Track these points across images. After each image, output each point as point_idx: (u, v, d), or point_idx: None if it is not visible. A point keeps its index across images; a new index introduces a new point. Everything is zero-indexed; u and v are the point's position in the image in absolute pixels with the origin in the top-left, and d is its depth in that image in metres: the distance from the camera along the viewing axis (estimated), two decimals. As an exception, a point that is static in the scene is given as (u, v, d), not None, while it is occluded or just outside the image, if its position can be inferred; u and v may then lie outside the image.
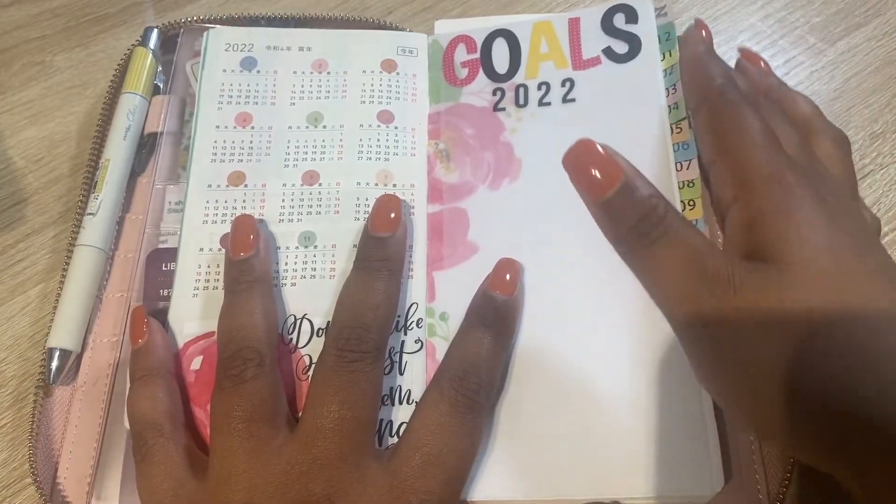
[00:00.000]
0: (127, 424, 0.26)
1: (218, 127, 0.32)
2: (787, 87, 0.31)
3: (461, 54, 0.34)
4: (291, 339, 0.28)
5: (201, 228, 0.30)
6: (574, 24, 0.33)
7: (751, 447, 0.26)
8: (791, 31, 0.39)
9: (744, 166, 0.24)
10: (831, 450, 0.21)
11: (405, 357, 0.28)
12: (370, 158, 0.31)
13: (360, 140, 0.32)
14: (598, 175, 0.24)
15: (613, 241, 0.25)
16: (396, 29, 0.36)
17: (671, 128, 0.30)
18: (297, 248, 0.30)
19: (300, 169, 0.31)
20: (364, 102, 0.33)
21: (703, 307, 0.23)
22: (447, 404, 0.25)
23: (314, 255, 0.30)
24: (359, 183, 0.31)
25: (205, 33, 0.34)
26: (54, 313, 0.29)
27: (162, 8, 0.41)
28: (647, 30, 0.32)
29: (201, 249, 0.30)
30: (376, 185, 0.31)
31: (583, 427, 0.26)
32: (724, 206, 0.25)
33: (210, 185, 0.31)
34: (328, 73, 0.33)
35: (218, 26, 0.35)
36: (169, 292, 0.29)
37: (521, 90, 0.33)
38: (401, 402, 0.27)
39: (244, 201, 0.31)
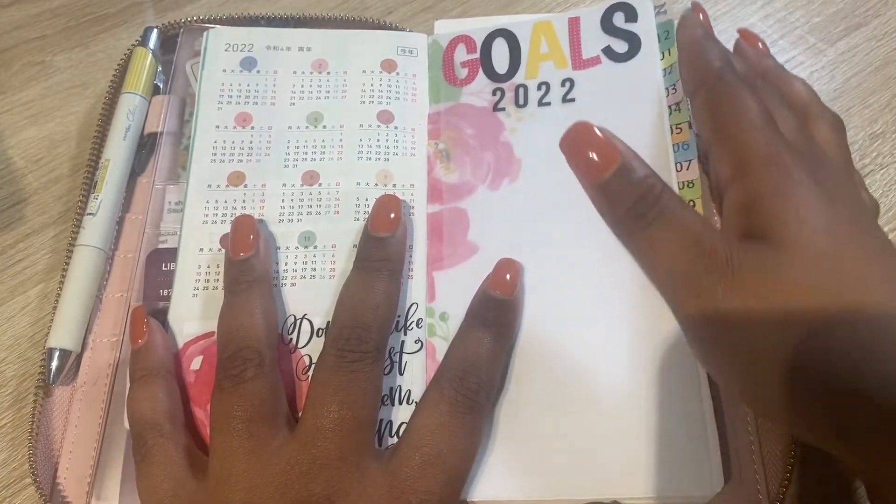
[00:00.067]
0: (127, 424, 0.26)
1: (218, 127, 0.32)
2: (785, 70, 0.31)
3: (461, 54, 0.34)
4: (291, 339, 0.28)
5: (201, 228, 0.30)
6: (574, 24, 0.33)
7: (751, 447, 0.26)
8: (791, 31, 0.39)
9: (741, 148, 0.25)
10: (830, 428, 0.21)
11: (405, 357, 0.28)
12: (370, 158, 0.31)
13: (360, 140, 0.32)
14: (595, 157, 0.24)
15: (610, 224, 0.25)
16: (396, 29, 0.36)
17: (671, 128, 0.30)
18: (296, 248, 0.30)
19: (300, 169, 0.31)
20: (364, 102, 0.33)
21: (701, 287, 0.23)
22: (447, 404, 0.25)
23: (314, 256, 0.30)
24: (359, 183, 0.31)
25: (205, 33, 0.34)
26: (54, 313, 0.29)
27: (162, 8, 0.41)
28: (646, 28, 0.32)
29: (201, 249, 0.30)
30: (376, 185, 0.31)
31: (583, 427, 0.26)
32: (722, 188, 0.26)
33: (210, 185, 0.31)
34: (328, 73, 0.33)
35: (218, 26, 0.35)
36: (169, 292, 0.29)
37: (521, 90, 0.33)
38: (401, 403, 0.27)
39: (244, 201, 0.31)
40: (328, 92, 0.33)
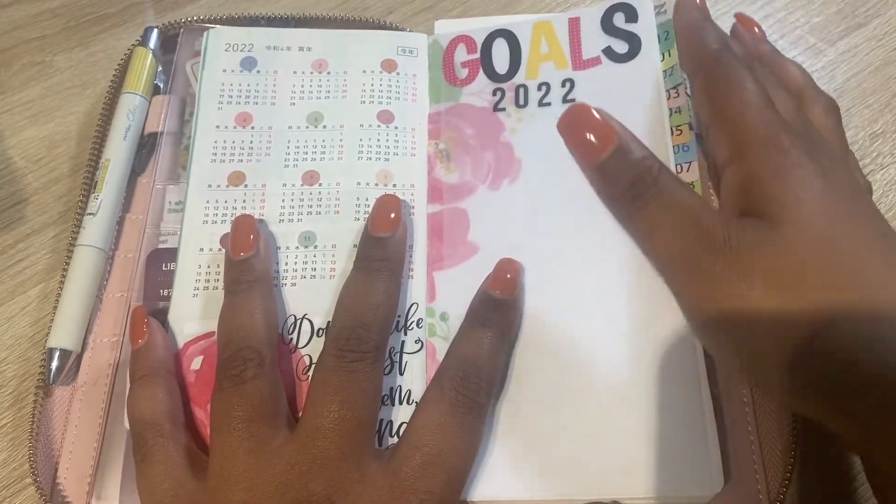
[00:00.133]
0: (127, 424, 0.26)
1: (218, 127, 0.32)
2: (781, 55, 0.31)
3: (461, 54, 0.34)
4: (291, 339, 0.28)
5: (201, 228, 0.30)
6: (574, 24, 0.33)
7: (751, 447, 0.26)
8: (791, 31, 0.39)
9: (740, 129, 0.25)
10: (828, 402, 0.22)
11: (405, 357, 0.28)
12: (370, 158, 0.31)
13: (361, 140, 0.32)
14: (593, 139, 0.24)
15: (608, 204, 0.25)
16: (396, 29, 0.36)
17: (671, 130, 0.30)
18: (297, 248, 0.30)
19: (300, 169, 0.31)
20: (364, 102, 0.33)
21: (699, 266, 0.23)
22: (448, 404, 0.25)
23: (314, 255, 0.30)
24: (359, 183, 0.31)
25: (205, 33, 0.34)
26: (54, 313, 0.29)
27: (162, 8, 0.41)
28: (646, 29, 0.32)
29: (201, 249, 0.30)
30: (376, 185, 0.31)
31: (583, 427, 0.26)
32: (720, 169, 0.26)
33: (210, 185, 0.31)
34: (328, 73, 0.33)
35: (218, 26, 0.35)
36: (169, 292, 0.29)
37: (522, 90, 0.33)
38: (401, 402, 0.27)
39: (244, 201, 0.31)
40: (328, 92, 0.33)
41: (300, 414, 0.26)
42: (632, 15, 0.33)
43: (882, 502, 0.23)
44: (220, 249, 0.30)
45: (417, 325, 0.29)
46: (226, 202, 0.31)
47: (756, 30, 0.32)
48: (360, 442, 0.24)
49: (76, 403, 0.28)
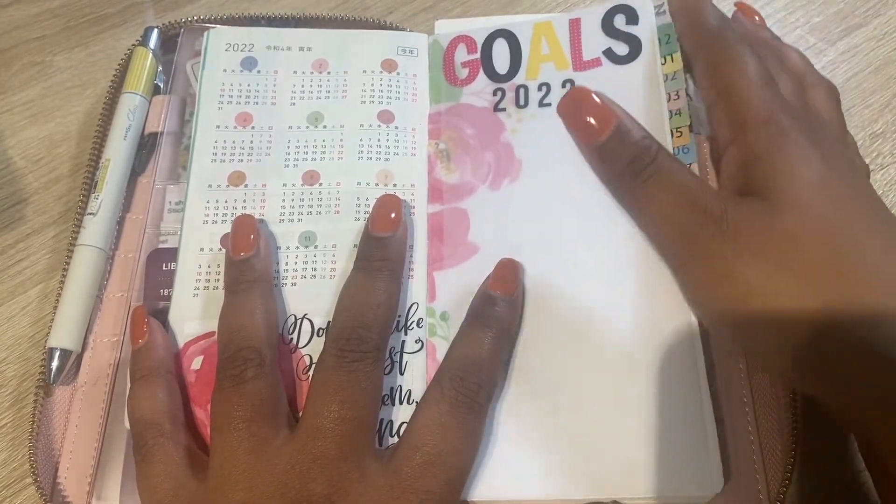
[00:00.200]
0: (127, 424, 0.26)
1: (218, 127, 0.32)
2: (781, 41, 0.31)
3: (461, 54, 0.34)
4: (292, 339, 0.28)
5: (202, 228, 0.30)
6: (574, 25, 0.33)
7: (751, 447, 0.26)
8: (791, 31, 0.39)
9: (741, 108, 0.25)
10: (824, 377, 0.22)
11: (405, 357, 0.28)
12: (370, 158, 0.31)
13: (361, 140, 0.32)
14: (592, 121, 0.25)
15: (607, 183, 0.26)
16: (397, 29, 0.36)
17: (672, 132, 0.30)
18: (297, 248, 0.30)
19: (300, 169, 0.31)
20: (364, 102, 0.33)
21: (696, 242, 0.24)
22: (448, 404, 0.25)
23: (314, 255, 0.30)
24: (359, 183, 0.31)
25: (205, 33, 0.34)
26: (54, 313, 0.29)
27: (162, 8, 0.41)
28: (647, 31, 0.32)
29: (202, 249, 0.30)
30: (377, 185, 0.31)
31: (583, 427, 0.26)
32: (722, 148, 0.26)
33: (210, 185, 0.31)
34: (328, 73, 0.33)
35: (218, 26, 0.35)
36: (169, 292, 0.29)
37: (522, 91, 0.33)
38: (401, 402, 0.27)
39: (244, 201, 0.31)
40: (328, 92, 0.33)
41: (300, 414, 0.26)
42: (632, 17, 0.33)
43: (881, 491, 0.23)
44: (220, 249, 0.30)
45: (418, 324, 0.29)
46: (226, 202, 0.31)
47: (756, 18, 0.32)
48: (360, 442, 0.24)
49: (76, 403, 0.28)
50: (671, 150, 0.30)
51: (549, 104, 0.32)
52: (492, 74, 0.33)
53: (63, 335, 0.28)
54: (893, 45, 0.38)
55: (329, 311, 0.27)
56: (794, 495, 0.26)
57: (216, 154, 0.31)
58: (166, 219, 0.31)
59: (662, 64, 0.31)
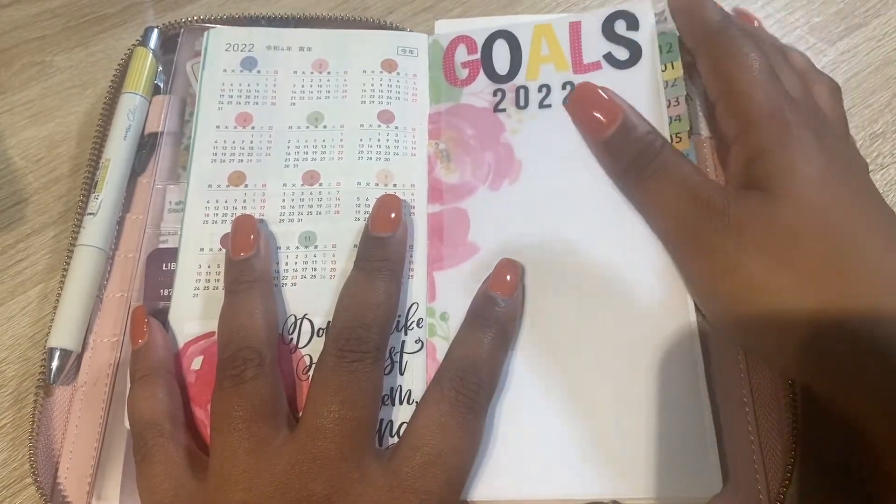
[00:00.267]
0: (127, 424, 0.26)
1: (218, 127, 0.32)
2: (780, 42, 0.31)
3: (462, 55, 0.34)
4: (292, 339, 0.28)
5: (202, 228, 0.30)
6: (575, 28, 0.33)
7: (751, 447, 0.26)
8: (791, 31, 0.39)
9: (745, 103, 0.26)
10: (820, 372, 0.22)
11: (405, 357, 0.28)
12: (370, 158, 0.31)
13: (361, 140, 0.32)
14: (599, 116, 0.26)
15: (614, 177, 0.27)
16: (397, 29, 0.36)
17: (671, 137, 0.30)
18: (297, 248, 0.30)
19: (300, 169, 0.31)
20: (364, 102, 0.33)
21: (698, 236, 0.24)
22: (448, 404, 0.25)
23: (314, 255, 0.30)
24: (359, 183, 0.31)
25: (205, 33, 0.34)
26: (54, 313, 0.29)
27: (162, 8, 0.41)
28: (647, 37, 0.32)
29: (202, 249, 0.30)
30: (377, 185, 0.31)
31: (583, 427, 0.26)
32: (727, 142, 0.26)
33: (210, 185, 0.31)
34: (328, 73, 0.33)
35: (218, 26, 0.35)
36: (169, 292, 0.29)
37: (522, 92, 0.33)
38: (401, 402, 0.27)
39: (244, 201, 0.31)
40: (329, 92, 0.33)
41: (300, 414, 0.26)
42: (633, 23, 0.33)
43: (879, 492, 0.23)
44: (220, 249, 0.30)
45: (418, 324, 0.29)
46: (226, 202, 0.31)
47: (756, 23, 0.32)
48: (360, 442, 0.24)
49: (76, 403, 0.28)
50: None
51: (550, 105, 0.32)
52: (492, 75, 0.33)
53: (63, 335, 0.28)
54: (893, 45, 0.38)
55: (329, 312, 0.27)
56: (794, 495, 0.26)
57: (216, 154, 0.31)
58: (166, 219, 0.31)
59: (663, 71, 0.31)
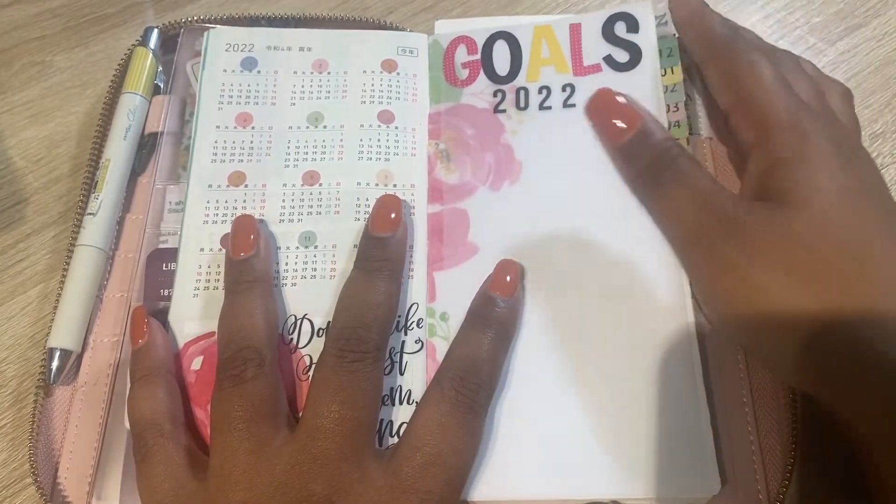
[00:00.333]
0: (127, 424, 0.26)
1: (218, 127, 0.32)
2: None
3: (462, 55, 0.34)
4: (292, 339, 0.28)
5: (202, 228, 0.30)
6: (575, 30, 0.33)
7: (750, 447, 0.26)
8: (791, 31, 0.39)
9: (763, 113, 0.26)
10: (824, 384, 0.22)
11: (405, 357, 0.28)
12: (370, 158, 0.31)
13: (361, 140, 0.32)
14: (618, 121, 0.26)
15: (630, 182, 0.27)
16: (397, 29, 0.36)
17: None
18: (297, 248, 0.30)
19: (300, 169, 0.31)
20: (364, 102, 0.33)
21: (710, 245, 0.24)
22: (448, 404, 0.25)
23: (314, 256, 0.30)
24: (359, 183, 0.31)
25: (205, 33, 0.34)
26: (54, 313, 0.29)
27: (162, 8, 0.41)
28: (647, 40, 0.32)
29: (202, 249, 0.30)
30: (377, 185, 0.31)
31: (582, 427, 0.26)
32: (745, 153, 0.27)
33: (210, 185, 0.31)
34: (328, 73, 0.33)
35: (218, 26, 0.35)
36: (169, 292, 0.29)
37: (522, 93, 0.33)
38: (401, 403, 0.27)
39: (244, 201, 0.31)
40: (329, 92, 0.33)
41: (300, 414, 0.26)
42: (633, 25, 0.33)
43: (877, 495, 0.23)
44: (220, 249, 0.30)
45: (418, 325, 0.29)
46: (226, 202, 0.31)
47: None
48: (360, 442, 0.24)
49: (76, 403, 0.28)
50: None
51: (550, 107, 0.32)
52: (492, 76, 0.33)
53: (63, 335, 0.28)
54: (893, 46, 0.38)
55: (329, 312, 0.27)
56: (794, 495, 0.26)
57: (216, 154, 0.31)
58: (166, 219, 0.31)
59: (662, 75, 0.31)
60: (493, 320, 0.27)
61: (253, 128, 0.32)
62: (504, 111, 0.32)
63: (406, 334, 0.28)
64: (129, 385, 0.27)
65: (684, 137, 0.30)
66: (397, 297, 0.28)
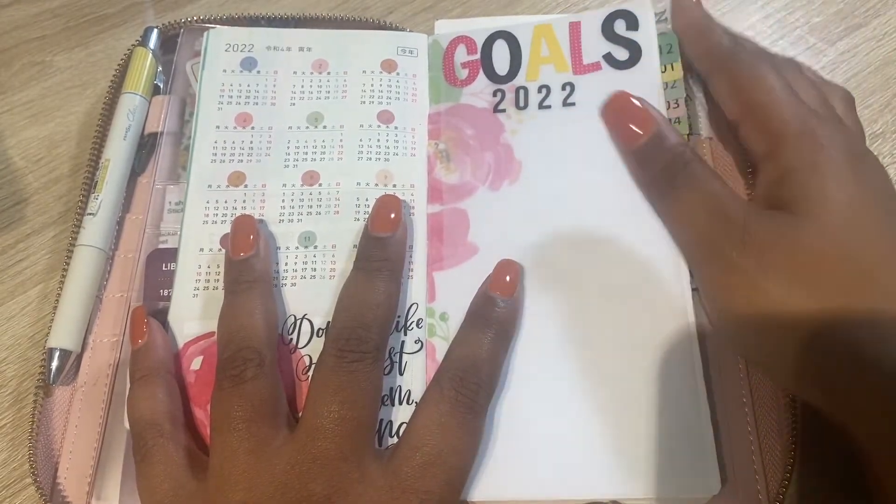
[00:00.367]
0: (127, 424, 0.26)
1: (218, 127, 0.32)
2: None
3: (461, 55, 0.34)
4: (291, 339, 0.28)
5: (201, 228, 0.30)
6: (574, 28, 0.33)
7: (750, 448, 0.26)
8: (791, 31, 0.39)
9: (774, 122, 0.26)
10: (827, 394, 0.22)
11: (405, 357, 0.28)
12: (370, 159, 0.31)
13: (360, 140, 0.32)
14: (633, 125, 0.27)
15: (643, 186, 0.27)
16: (396, 29, 0.36)
17: None
18: (297, 248, 0.30)
19: (300, 169, 0.31)
20: (364, 102, 0.33)
21: (719, 252, 0.24)
22: (448, 404, 0.25)
23: (314, 256, 0.30)
24: (359, 183, 0.31)
25: (205, 33, 0.34)
26: (54, 313, 0.29)
27: (162, 8, 0.41)
28: (647, 37, 0.32)
29: (201, 249, 0.30)
30: (376, 185, 0.31)
31: (582, 427, 0.26)
32: (756, 163, 0.27)
33: (210, 186, 0.31)
34: (328, 73, 0.33)
35: (218, 26, 0.35)
36: (169, 292, 0.29)
37: (522, 92, 0.33)
38: (400, 403, 0.27)
39: (244, 201, 0.31)
40: (328, 92, 0.33)
41: (300, 414, 0.26)
42: (633, 23, 0.33)
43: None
44: (220, 249, 0.30)
45: (417, 325, 0.29)
46: (226, 202, 0.31)
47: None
48: (360, 442, 0.24)
49: (76, 403, 0.28)
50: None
51: (549, 106, 0.32)
52: (492, 75, 0.33)
53: (63, 335, 0.28)
54: (893, 46, 0.38)
55: (329, 312, 0.27)
56: (794, 496, 0.26)
57: (216, 154, 0.31)
58: (166, 219, 0.31)
59: (662, 72, 0.31)
60: (493, 320, 0.27)
61: (252, 128, 0.32)
62: (504, 111, 0.32)
63: (406, 334, 0.28)
64: (128, 385, 0.27)
65: (684, 135, 0.30)
66: (397, 298, 0.28)
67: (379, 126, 0.32)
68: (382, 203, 0.28)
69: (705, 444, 0.25)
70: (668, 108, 0.31)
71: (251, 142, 0.32)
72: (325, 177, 0.31)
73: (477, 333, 0.26)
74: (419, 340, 0.28)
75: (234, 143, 0.32)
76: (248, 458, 0.23)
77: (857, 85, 0.37)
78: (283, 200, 0.31)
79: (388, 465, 0.24)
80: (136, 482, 0.25)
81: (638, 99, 0.27)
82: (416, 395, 0.27)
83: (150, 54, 0.34)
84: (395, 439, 0.26)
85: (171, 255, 0.30)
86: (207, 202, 0.30)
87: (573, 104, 0.32)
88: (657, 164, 0.26)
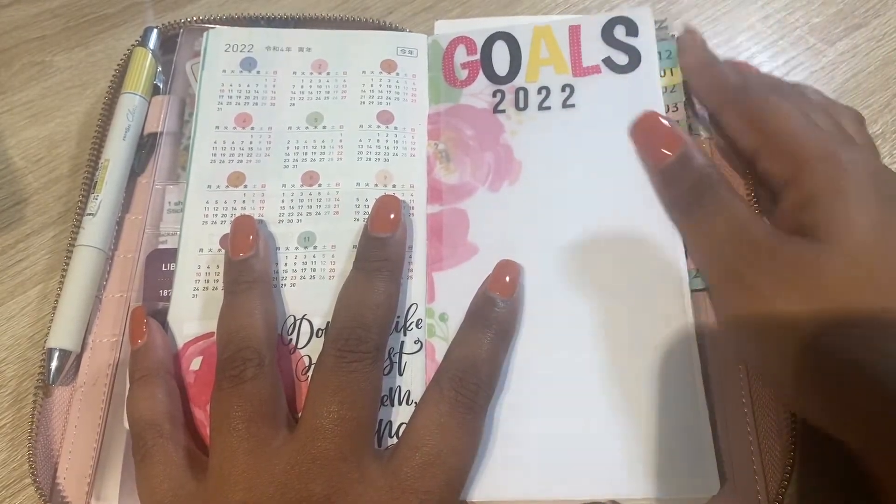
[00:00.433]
0: (126, 425, 0.26)
1: (218, 127, 0.32)
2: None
3: (461, 55, 0.34)
4: (291, 339, 0.28)
5: (201, 229, 0.30)
6: (574, 32, 0.33)
7: (749, 448, 0.26)
8: (791, 31, 0.39)
9: (795, 148, 0.26)
10: (833, 409, 0.22)
11: (404, 357, 0.28)
12: (370, 159, 0.31)
13: (360, 140, 0.32)
14: (661, 145, 0.27)
15: (668, 205, 0.28)
16: (396, 29, 0.36)
17: None
18: (296, 248, 0.30)
19: (300, 169, 0.31)
20: (364, 103, 0.33)
21: (738, 272, 0.24)
22: (447, 404, 0.25)
23: (314, 256, 0.30)
24: (358, 183, 0.31)
25: (205, 34, 0.34)
26: (54, 313, 0.29)
27: (162, 8, 0.41)
28: (647, 43, 0.32)
29: (201, 250, 0.30)
30: (376, 185, 0.31)
31: (582, 427, 0.26)
32: (777, 190, 0.27)
33: (210, 186, 0.31)
34: (328, 73, 0.33)
35: (218, 27, 0.35)
36: (169, 293, 0.29)
37: (521, 93, 0.33)
38: (400, 403, 0.27)
39: (244, 202, 0.31)
40: (328, 92, 0.33)
41: (300, 414, 0.26)
42: (632, 29, 0.33)
43: None
44: (219, 250, 0.30)
45: (417, 325, 0.29)
46: (225, 202, 0.31)
47: (755, 72, 0.33)
48: (359, 442, 0.24)
49: (76, 403, 0.28)
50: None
51: (549, 108, 0.32)
52: (491, 76, 0.33)
53: (62, 335, 0.28)
54: (893, 46, 0.38)
55: (328, 312, 0.27)
56: (793, 496, 0.26)
57: (215, 154, 0.31)
58: (166, 219, 0.31)
59: (662, 76, 0.32)
60: (493, 320, 0.27)
61: (252, 128, 0.32)
62: (503, 111, 0.32)
63: (405, 335, 0.28)
64: (128, 385, 0.27)
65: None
66: (396, 298, 0.28)
67: (378, 126, 0.32)
68: (382, 203, 0.28)
69: (704, 444, 0.25)
70: (668, 111, 0.31)
71: (251, 142, 0.32)
72: (325, 177, 0.31)
73: (476, 334, 0.26)
74: (419, 341, 0.28)
75: (233, 143, 0.32)
76: (247, 459, 0.23)
77: (857, 85, 0.37)
78: (283, 201, 0.31)
79: (387, 465, 0.24)
80: (136, 482, 0.25)
81: (666, 118, 0.28)
82: (416, 396, 0.27)
83: (150, 54, 0.34)
84: (395, 440, 0.26)
85: (171, 255, 0.30)
86: (207, 202, 0.31)
87: (573, 106, 0.32)
88: (684, 184, 0.27)
